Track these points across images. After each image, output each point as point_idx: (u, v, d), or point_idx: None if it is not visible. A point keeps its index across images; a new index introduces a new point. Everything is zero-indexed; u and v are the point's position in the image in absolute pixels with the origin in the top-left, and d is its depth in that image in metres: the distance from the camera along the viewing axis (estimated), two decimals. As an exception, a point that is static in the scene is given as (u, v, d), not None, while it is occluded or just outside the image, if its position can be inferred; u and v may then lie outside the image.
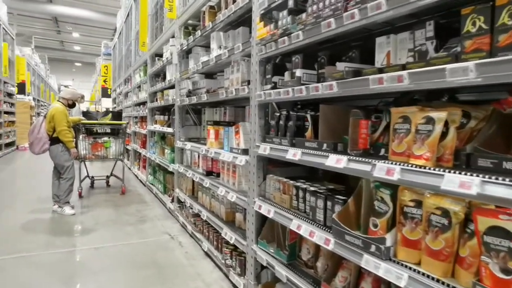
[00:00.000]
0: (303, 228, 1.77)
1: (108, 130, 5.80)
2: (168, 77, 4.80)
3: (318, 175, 2.50)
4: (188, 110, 4.26)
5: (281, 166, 2.44)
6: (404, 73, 1.30)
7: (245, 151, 2.54)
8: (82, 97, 5.06)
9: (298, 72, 1.89)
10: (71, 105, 4.76)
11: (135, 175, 7.44)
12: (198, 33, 3.39)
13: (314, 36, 1.76)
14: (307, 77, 1.91)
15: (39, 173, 7.57)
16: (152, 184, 5.91)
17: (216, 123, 3.45)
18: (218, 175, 3.26)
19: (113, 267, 2.96)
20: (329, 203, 1.73)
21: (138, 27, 7.27)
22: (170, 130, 4.51)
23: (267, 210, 2.09)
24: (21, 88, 14.66)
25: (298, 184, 1.98)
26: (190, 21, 4.05)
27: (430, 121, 1.31)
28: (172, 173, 4.58)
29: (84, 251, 3.28)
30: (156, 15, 5.87)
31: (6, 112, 11.27)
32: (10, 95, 12.02)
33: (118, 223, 4.10)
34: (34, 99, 17.66)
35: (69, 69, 33.26)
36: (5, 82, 11.09)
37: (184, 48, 3.96)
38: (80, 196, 5.34)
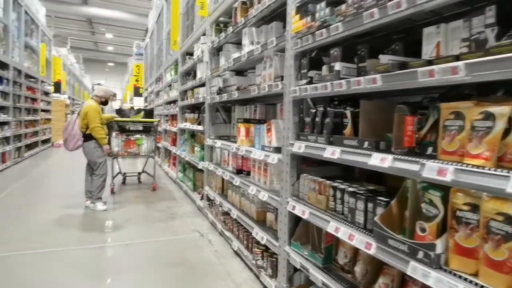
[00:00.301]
0: (341, 231, 1.67)
1: (140, 128, 5.90)
2: (198, 75, 4.80)
3: (354, 175, 2.39)
4: (218, 108, 4.24)
5: (315, 165, 2.35)
6: (460, 64, 1.18)
7: (277, 149, 2.47)
8: (114, 95, 5.17)
9: (337, 66, 1.79)
10: (104, 103, 4.86)
11: (166, 172, 7.55)
12: (230, 29, 3.35)
13: (355, 27, 1.66)
14: (347, 70, 1.81)
15: (73, 169, 7.83)
16: (182, 181, 5.96)
17: (246, 121, 3.40)
18: (248, 173, 3.21)
19: (144, 264, 2.97)
20: (370, 205, 1.63)
21: (169, 27, 7.36)
22: (200, 128, 4.51)
23: (302, 211, 2.01)
24: (57, 87, 15.28)
25: (335, 184, 1.89)
26: (221, 18, 4.02)
27: (489, 117, 1.18)
28: (201, 170, 4.58)
29: (115, 247, 3.32)
30: (187, 14, 5.90)
31: (42, 110, 11.77)
32: (46, 93, 12.55)
33: (149, 220, 4.15)
34: (69, 97, 18.39)
35: (102, 69, 34.43)
36: (42, 81, 11.59)
37: (215, 46, 3.93)
38: (112, 192, 5.46)
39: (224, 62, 3.66)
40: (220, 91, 3.92)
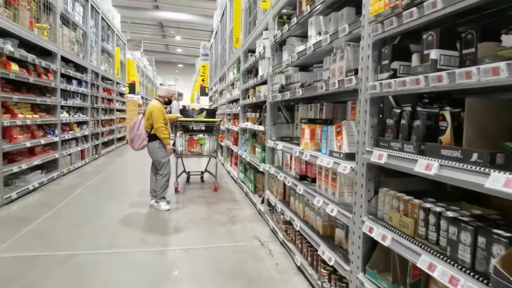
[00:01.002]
0: (438, 270, 1.28)
1: (203, 128, 5.85)
2: (260, 73, 4.56)
3: (445, 190, 1.94)
4: (280, 106, 3.95)
5: (395, 175, 1.95)
6: None
7: (349, 156, 2.10)
8: (180, 94, 5.17)
9: (433, 54, 1.39)
10: (167, 102, 4.86)
11: (228, 171, 7.49)
12: (294, 20, 3.03)
13: (461, 1, 1.24)
14: (446, 60, 1.39)
15: (144, 166, 8.15)
16: (243, 182, 5.80)
17: (311, 121, 3.07)
18: (313, 180, 2.87)
19: (202, 273, 2.81)
20: (481, 239, 1.21)
21: (233, 25, 7.26)
22: (261, 128, 4.27)
23: (382, 236, 1.63)
24: (132, 88, 16.29)
25: (428, 205, 1.48)
26: (284, 10, 3.71)
27: None
28: (262, 173, 4.34)
29: (175, 252, 3.22)
30: (250, 10, 5.70)
31: (118, 110, 12.56)
32: (121, 94, 13.38)
33: (210, 222, 4.02)
34: (142, 97, 19.56)
35: (172, 70, 36.25)
36: (117, 83, 12.35)
37: (277, 40, 3.65)
38: (176, 191, 5.49)
39: (287, 57, 3.36)
40: (282, 89, 3.63)
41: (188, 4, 19.57)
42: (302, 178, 2.99)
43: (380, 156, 1.65)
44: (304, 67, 3.70)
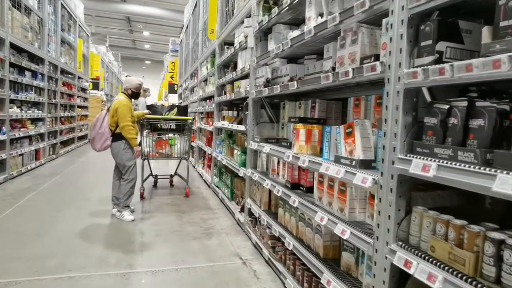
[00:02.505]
0: None
1: (173, 126, 5.28)
2: (240, 66, 4.08)
3: (482, 206, 1.58)
4: (264, 103, 3.49)
5: (419, 188, 1.55)
6: None
7: (364, 164, 1.68)
8: (146, 90, 4.58)
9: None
10: (134, 96, 4.26)
11: (199, 174, 6.94)
12: (287, 1, 2.58)
13: None
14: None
15: (107, 169, 7.42)
16: (218, 187, 5.28)
17: (302, 120, 2.65)
18: (308, 190, 2.44)
19: (173, 304, 2.29)
20: None
21: (206, 16, 6.73)
22: (241, 128, 3.78)
23: (427, 274, 1.20)
24: (95, 84, 15.25)
25: (496, 236, 1.07)
26: (271, -6, 3.27)
27: None
28: (241, 177, 3.87)
29: (140, 275, 2.67)
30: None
31: (79, 106, 11.61)
32: (84, 90, 12.41)
33: (181, 236, 3.48)
34: (106, 94, 18.46)
35: (139, 67, 34.86)
36: (79, 77, 11.42)
37: (263, 27, 3.19)
38: (141, 197, 4.90)
39: (274, 46, 2.90)
40: (268, 83, 3.17)
41: (158, -2, 18.73)
42: (295, 186, 2.54)
43: (426, 167, 1.22)
44: (292, 59, 3.27)
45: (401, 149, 1.40)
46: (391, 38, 1.47)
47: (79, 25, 11.22)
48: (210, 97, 6.40)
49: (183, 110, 5.41)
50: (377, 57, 1.62)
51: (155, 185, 5.83)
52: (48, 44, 7.94)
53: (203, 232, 3.63)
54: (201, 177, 6.69)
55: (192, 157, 8.13)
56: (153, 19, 19.51)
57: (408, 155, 1.38)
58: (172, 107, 5.38)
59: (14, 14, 5.87)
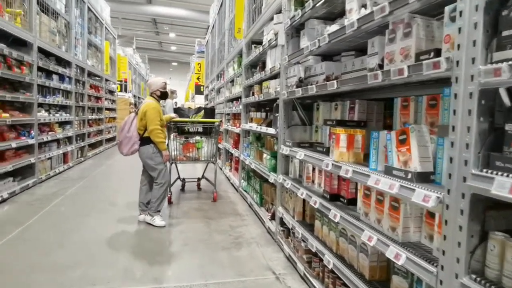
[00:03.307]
0: None
1: (200, 129, 5.15)
2: (269, 65, 3.87)
3: None
4: (296, 105, 3.27)
5: (493, 207, 1.29)
6: None
7: (422, 177, 1.43)
8: (173, 92, 4.48)
9: None
10: (162, 96, 4.14)
11: (227, 177, 6.79)
12: (323, -8, 2.35)
13: None
14: None
15: (134, 172, 7.43)
16: (246, 191, 5.11)
17: (340, 123, 2.42)
18: (350, 202, 2.20)
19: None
20: None
21: (232, 15, 6.57)
22: (271, 131, 3.57)
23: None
24: (123, 86, 15.50)
25: None
26: (302, -13, 3.04)
27: None
28: (271, 183, 3.66)
29: (167, 290, 2.52)
30: (254, -4, 5.01)
31: (107, 109, 11.78)
32: (111, 92, 12.60)
33: (210, 246, 3.32)
34: (134, 96, 18.76)
35: (166, 68, 35.37)
36: (106, 80, 11.57)
37: (295, 22, 2.96)
38: (169, 202, 4.79)
39: (308, 43, 2.67)
40: (300, 83, 2.95)
41: (183, -1, 18.84)
42: (334, 197, 2.30)
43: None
44: (326, 57, 3.03)
45: (474, 163, 1.15)
46: (459, 29, 1.21)
47: (105, 27, 11.37)
48: (237, 98, 6.23)
49: (210, 112, 5.26)
50: (438, 52, 1.36)
51: (182, 188, 5.73)
52: (75, 47, 8.04)
53: (232, 241, 3.45)
54: (228, 180, 6.53)
55: (219, 159, 8.01)
56: (178, 20, 19.65)
57: (485, 170, 1.12)
58: (199, 109, 5.24)
59: (42, 18, 5.93)
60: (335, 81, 2.12)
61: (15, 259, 2.92)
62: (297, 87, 2.92)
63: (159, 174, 3.92)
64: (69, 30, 7.70)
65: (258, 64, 4.64)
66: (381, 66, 1.86)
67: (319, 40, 2.36)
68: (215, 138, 5.19)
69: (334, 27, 2.22)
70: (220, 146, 7.74)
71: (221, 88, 8.35)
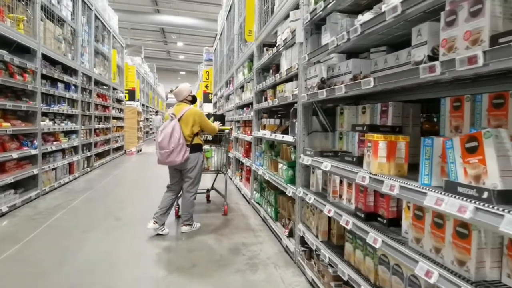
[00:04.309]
0: None
1: (210, 137, 4.84)
2: (284, 67, 3.55)
3: None
4: (317, 109, 2.93)
5: None
6: None
7: (504, 198, 1.08)
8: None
9: None
10: (193, 101, 4.15)
11: (237, 188, 6.45)
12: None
13: None
14: None
15: (140, 182, 7.14)
16: (258, 203, 4.76)
17: (372, 129, 2.10)
18: (391, 222, 1.84)
19: None
20: None
21: (242, 18, 6.31)
22: (288, 138, 3.23)
23: None
24: (131, 95, 15.34)
25: None
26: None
27: None
28: (288, 195, 3.31)
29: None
30: (265, -4, 4.73)
31: (115, 118, 11.57)
32: (119, 101, 12.42)
33: (221, 267, 2.97)
34: (142, 105, 18.62)
35: (174, 77, 35.43)
36: (114, 89, 11.39)
37: (315, 17, 2.64)
38: (177, 215, 4.48)
39: (332, 38, 2.35)
40: (323, 84, 2.62)
41: (190, 8, 18.77)
42: (370, 217, 1.95)
43: None
44: (351, 54, 2.70)
45: None
46: None
47: (113, 35, 11.22)
48: (248, 105, 5.93)
49: (219, 119, 4.95)
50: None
51: (190, 200, 5.41)
52: (81, 55, 7.85)
53: (246, 262, 3.10)
54: (239, 191, 6.19)
55: (229, 168, 7.68)
56: (186, 29, 19.59)
57: None
58: (208, 116, 4.94)
59: (47, 25, 5.73)
60: (371, 79, 1.78)
61: (5, 283, 2.61)
62: (319, 88, 2.60)
63: (197, 182, 3.94)
64: (75, 38, 7.51)
65: (271, 67, 4.33)
66: (432, 58, 1.52)
67: (348, 32, 2.03)
68: (225, 146, 4.88)
69: (368, 16, 1.89)
70: (230, 155, 7.41)
71: (230, 95, 8.07)
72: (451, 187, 1.27)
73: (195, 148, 3.83)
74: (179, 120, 3.76)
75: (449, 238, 1.33)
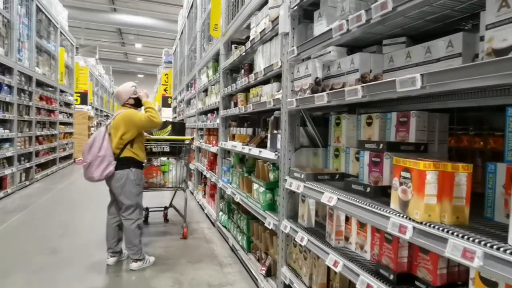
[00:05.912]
0: None
1: (167, 149, 4.09)
2: (261, 66, 2.90)
3: None
4: (306, 118, 2.31)
5: None
6: None
7: None
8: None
9: None
10: (137, 104, 3.27)
11: (200, 205, 5.69)
12: None
13: None
14: None
15: (89, 199, 6.15)
16: (226, 228, 4.04)
17: (392, 148, 1.52)
18: (431, 286, 1.23)
19: None
20: None
21: (205, 14, 5.63)
22: (267, 154, 2.57)
23: None
24: (83, 98, 14.04)
25: None
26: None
27: None
28: (262, 222, 2.64)
29: None
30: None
31: (62, 123, 10.35)
32: (68, 104, 11.18)
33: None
34: (96, 109, 17.23)
35: (132, 80, 33.34)
36: (62, 91, 10.19)
37: (305, 0, 2.03)
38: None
39: (329, 26, 1.74)
40: (317, 86, 2.00)
41: (149, 8, 17.72)
42: (404, 279, 1.33)
43: None
44: (353, 49, 2.11)
45: None
46: None
47: (60, 32, 10.04)
48: (212, 110, 5.22)
49: (179, 128, 4.22)
50: None
51: (145, 220, 4.60)
52: (19, 51, 6.75)
53: (213, 315, 2.39)
54: (203, 209, 5.43)
55: (190, 180, 6.88)
56: (145, 30, 18.45)
57: None
58: (164, 124, 4.18)
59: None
60: (419, 78, 1.16)
61: None
62: (313, 91, 1.98)
63: (136, 208, 3.07)
64: (9, 30, 6.42)
65: (242, 66, 3.66)
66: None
67: (367, 11, 1.42)
68: (185, 159, 4.14)
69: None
70: (191, 166, 6.63)
71: (191, 99, 7.31)
72: None
73: (124, 162, 3.01)
74: (107, 127, 3.08)
75: None
